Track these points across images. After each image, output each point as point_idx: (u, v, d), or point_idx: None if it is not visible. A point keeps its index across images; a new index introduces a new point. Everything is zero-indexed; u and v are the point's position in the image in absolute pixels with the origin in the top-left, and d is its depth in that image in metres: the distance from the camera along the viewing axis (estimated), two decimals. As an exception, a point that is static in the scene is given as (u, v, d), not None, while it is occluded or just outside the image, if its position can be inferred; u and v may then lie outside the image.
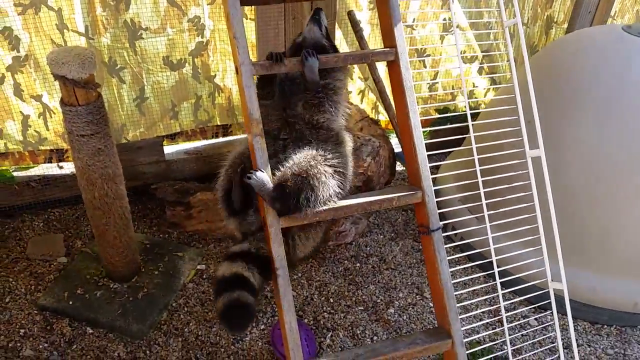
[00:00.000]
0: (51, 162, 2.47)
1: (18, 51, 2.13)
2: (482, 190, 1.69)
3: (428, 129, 3.06)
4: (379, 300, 2.22)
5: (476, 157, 1.68)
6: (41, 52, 2.16)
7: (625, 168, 2.03)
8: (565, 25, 3.09)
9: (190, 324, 2.04)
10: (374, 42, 2.60)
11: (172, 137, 2.61)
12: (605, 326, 2.19)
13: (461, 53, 2.91)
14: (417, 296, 2.26)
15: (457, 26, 2.78)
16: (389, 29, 1.51)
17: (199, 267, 2.29)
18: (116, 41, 2.24)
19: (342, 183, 1.47)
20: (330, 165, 1.44)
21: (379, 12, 1.55)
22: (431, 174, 1.57)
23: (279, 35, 2.22)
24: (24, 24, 2.09)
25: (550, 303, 1.75)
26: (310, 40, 1.55)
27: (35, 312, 2.03)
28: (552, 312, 1.76)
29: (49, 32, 2.13)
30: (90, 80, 1.67)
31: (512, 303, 2.19)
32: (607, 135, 2.06)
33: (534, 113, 1.67)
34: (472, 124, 1.69)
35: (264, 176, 1.37)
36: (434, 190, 1.57)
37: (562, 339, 1.77)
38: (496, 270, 1.70)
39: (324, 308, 2.17)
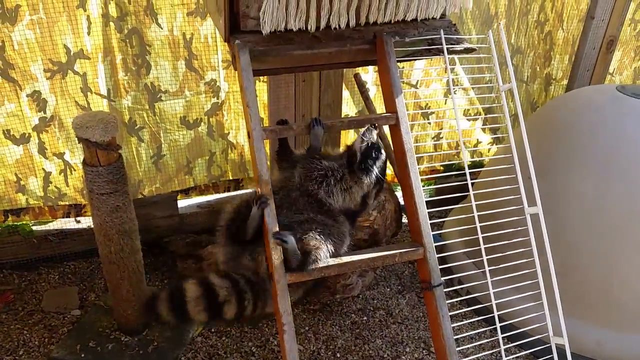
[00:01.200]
0: (69, 217, 2.56)
1: (44, 112, 2.26)
2: (482, 246, 1.74)
3: (432, 187, 3.15)
4: (385, 355, 2.24)
5: (476, 213, 1.75)
6: (65, 113, 2.29)
7: (624, 223, 2.08)
8: (564, 82, 3.20)
9: (199, 378, 2.07)
10: (379, 102, 2.72)
11: (186, 192, 2.70)
12: (613, 382, 2.18)
13: (464, 111, 3.05)
14: (424, 351, 2.27)
15: (459, 86, 2.91)
16: (391, 96, 1.62)
17: (208, 320, 2.34)
18: (136, 103, 2.37)
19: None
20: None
21: (380, 81, 1.67)
22: (438, 227, 1.64)
23: (290, 96, 2.35)
24: (51, 88, 2.23)
25: (553, 358, 1.77)
26: (352, 149, 1.71)
27: (48, 364, 2.09)
28: (555, 367, 1.78)
29: (73, 94, 2.27)
30: (112, 143, 1.79)
31: (518, 357, 2.20)
32: (605, 191, 2.12)
33: (531, 171, 1.75)
34: (475, 181, 1.77)
35: (293, 241, 1.48)
36: (441, 245, 1.64)
37: (567, 395, 1.78)
38: (498, 324, 1.73)
39: (331, 362, 2.19)
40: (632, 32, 3.19)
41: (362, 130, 1.69)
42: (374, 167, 1.67)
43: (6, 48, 2.11)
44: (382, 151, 1.72)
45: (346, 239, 1.65)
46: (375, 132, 1.68)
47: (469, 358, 1.82)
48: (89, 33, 2.19)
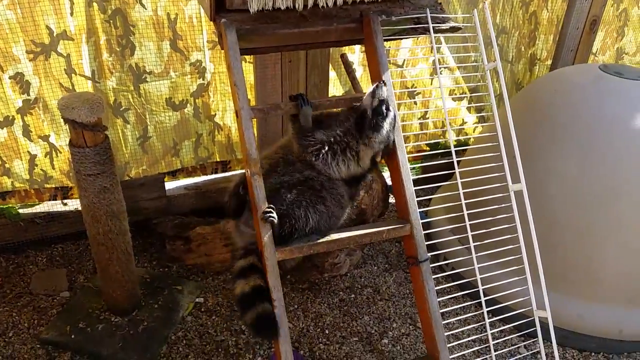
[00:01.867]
0: (56, 200, 2.55)
1: (28, 94, 2.24)
2: (467, 223, 1.79)
3: (419, 165, 3.18)
4: (373, 331, 2.29)
5: (461, 191, 1.79)
6: (50, 95, 2.27)
7: (604, 200, 2.13)
8: (548, 62, 3.23)
9: (189, 357, 2.10)
10: (367, 81, 2.73)
11: (173, 174, 2.70)
12: (593, 353, 2.24)
13: (450, 91, 3.07)
14: (411, 326, 2.32)
15: (445, 66, 2.92)
16: (378, 75, 1.63)
17: (197, 300, 2.35)
18: (121, 84, 2.35)
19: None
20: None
21: (368, 60, 1.68)
22: (424, 206, 1.67)
23: (276, 77, 2.35)
24: (35, 69, 2.20)
25: (536, 331, 1.82)
26: (361, 107, 1.65)
27: (38, 346, 2.08)
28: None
29: (57, 76, 2.24)
30: (98, 124, 1.78)
31: (502, 331, 2.25)
32: (586, 168, 2.16)
33: (515, 150, 1.78)
34: (461, 159, 1.80)
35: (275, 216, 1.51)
36: (427, 222, 1.67)
37: (549, 366, 1.84)
38: (483, 299, 1.78)
39: (320, 339, 2.23)
40: (615, 12, 3.23)
41: (370, 87, 1.64)
42: (385, 124, 1.61)
43: None
44: (392, 107, 1.66)
45: (344, 202, 1.64)
46: (385, 89, 1.63)
47: (454, 331, 1.87)
48: (71, 14, 2.16)
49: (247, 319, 1.53)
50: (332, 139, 1.62)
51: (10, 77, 2.19)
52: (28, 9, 2.10)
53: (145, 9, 2.25)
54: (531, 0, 3.00)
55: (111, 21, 2.23)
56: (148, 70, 2.37)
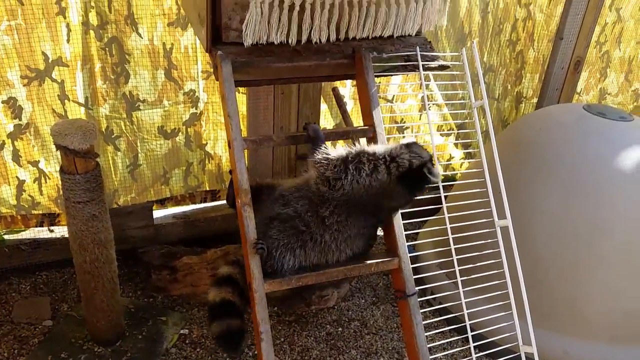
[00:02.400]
0: (42, 226, 2.53)
1: (20, 119, 2.24)
2: (454, 258, 1.80)
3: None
4: (360, 365, 2.27)
5: (448, 225, 1.81)
6: (42, 121, 2.28)
7: (588, 238, 2.17)
8: (534, 100, 3.31)
9: (173, 389, 2.07)
10: (357, 115, 2.77)
11: (162, 202, 2.70)
12: (580, 390, 2.25)
13: (438, 127, 3.12)
14: (397, 361, 2.31)
15: (434, 102, 2.99)
16: (368, 110, 1.67)
17: (182, 331, 2.32)
18: (114, 111, 2.37)
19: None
20: None
21: (359, 95, 1.72)
22: (412, 240, 1.68)
23: (269, 108, 2.38)
24: (28, 94, 2.22)
25: (523, 367, 1.83)
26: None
27: (18, 376, 2.05)
28: (525, 376, 1.83)
29: (50, 102, 2.25)
30: (90, 151, 1.79)
31: (489, 367, 2.25)
32: (570, 206, 2.20)
33: (501, 186, 1.81)
34: (448, 194, 1.82)
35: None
36: (414, 256, 1.68)
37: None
38: (470, 333, 1.78)
39: (306, 373, 2.21)
40: (598, 54, 3.33)
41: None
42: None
43: None
44: None
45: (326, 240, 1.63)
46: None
47: (442, 367, 1.86)
48: (68, 40, 2.19)
49: (212, 329, 1.66)
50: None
51: (3, 102, 2.20)
52: (25, 35, 2.12)
53: (142, 38, 2.29)
54: (518, 39, 3.10)
55: (107, 49, 2.26)
56: (142, 99, 2.39)
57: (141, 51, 2.32)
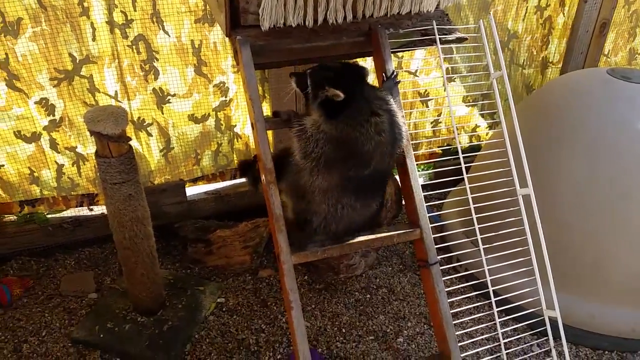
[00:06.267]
0: (82, 206, 2.67)
1: (53, 115, 2.34)
2: (477, 226, 1.85)
3: (431, 171, 3.25)
4: (388, 330, 2.36)
5: (470, 195, 1.85)
6: (75, 114, 2.37)
7: (612, 203, 2.17)
8: (561, 65, 3.26)
9: (212, 355, 2.19)
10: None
11: (194, 181, 2.80)
12: (607, 352, 2.28)
13: (463, 97, 3.12)
14: (425, 325, 2.39)
15: (458, 74, 2.98)
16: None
17: (219, 300, 2.45)
18: (145, 105, 2.45)
19: None
20: None
21: (376, 72, 1.76)
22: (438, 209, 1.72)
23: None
24: (59, 94, 2.30)
25: (546, 329, 1.88)
26: None
27: (69, 344, 2.20)
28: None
29: (81, 96, 2.34)
30: (123, 135, 1.88)
31: (515, 329, 2.31)
32: (594, 172, 2.21)
33: (522, 155, 1.84)
34: (471, 165, 1.85)
35: None
36: (440, 225, 1.73)
37: (560, 364, 1.89)
38: (493, 299, 1.84)
39: (337, 338, 2.30)
40: (626, 13, 3.24)
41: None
42: None
43: (10, 60, 2.16)
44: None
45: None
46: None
47: (468, 330, 1.93)
48: (94, 39, 2.24)
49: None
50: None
51: (35, 102, 2.28)
52: (51, 39, 2.17)
53: (169, 36, 2.32)
54: (547, 5, 3.03)
55: (134, 46, 2.30)
56: (172, 93, 2.45)
57: (169, 49, 2.35)
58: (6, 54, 2.14)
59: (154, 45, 2.33)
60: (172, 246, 2.75)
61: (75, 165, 2.50)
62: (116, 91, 2.38)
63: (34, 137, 2.37)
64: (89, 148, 2.48)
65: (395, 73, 1.70)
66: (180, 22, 2.32)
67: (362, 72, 1.62)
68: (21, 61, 2.18)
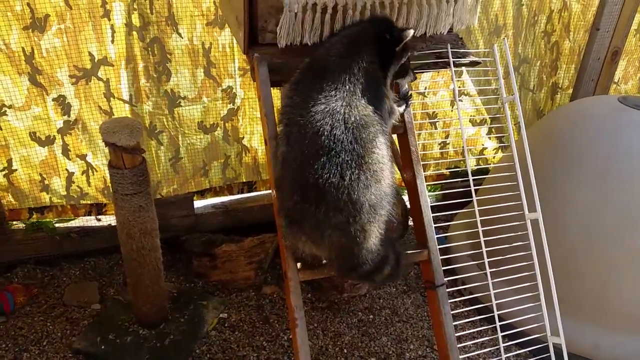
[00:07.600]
0: (90, 215, 2.68)
1: (69, 116, 2.38)
2: (484, 249, 1.85)
3: (439, 192, 3.25)
4: (390, 352, 2.34)
5: (478, 218, 1.85)
6: (89, 117, 2.41)
7: (620, 231, 2.17)
8: (570, 91, 3.28)
9: (213, 370, 2.18)
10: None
11: (202, 193, 2.82)
12: (611, 382, 2.26)
13: (470, 117, 3.14)
14: (427, 349, 2.37)
15: (466, 95, 3.00)
16: (399, 106, 1.72)
17: (221, 315, 2.44)
18: (157, 108, 2.49)
19: None
20: None
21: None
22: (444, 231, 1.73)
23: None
24: (76, 92, 2.35)
25: (550, 356, 1.86)
26: None
27: (70, 355, 2.18)
28: (553, 366, 1.87)
29: (97, 99, 2.38)
30: (137, 147, 1.90)
31: (518, 355, 2.29)
32: (603, 199, 2.21)
33: (532, 179, 1.84)
34: (480, 187, 1.86)
35: None
36: (446, 247, 1.73)
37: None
38: (497, 323, 1.83)
39: (338, 358, 2.29)
40: (638, 42, 3.27)
41: None
42: None
43: (35, 55, 2.22)
44: None
45: None
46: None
47: (471, 354, 1.91)
48: (112, 41, 2.31)
49: None
50: None
51: (53, 100, 2.33)
52: (73, 36, 2.24)
53: (182, 38, 2.39)
54: (553, 31, 3.07)
55: (149, 49, 2.37)
56: (182, 96, 2.50)
57: (182, 50, 2.42)
58: (32, 47, 2.21)
59: (167, 47, 2.40)
60: (177, 259, 2.75)
61: (84, 174, 2.52)
62: (131, 95, 2.42)
63: (48, 141, 2.40)
64: (98, 158, 2.50)
65: (410, 94, 1.72)
66: (193, 25, 2.39)
67: None
68: (45, 56, 2.24)
